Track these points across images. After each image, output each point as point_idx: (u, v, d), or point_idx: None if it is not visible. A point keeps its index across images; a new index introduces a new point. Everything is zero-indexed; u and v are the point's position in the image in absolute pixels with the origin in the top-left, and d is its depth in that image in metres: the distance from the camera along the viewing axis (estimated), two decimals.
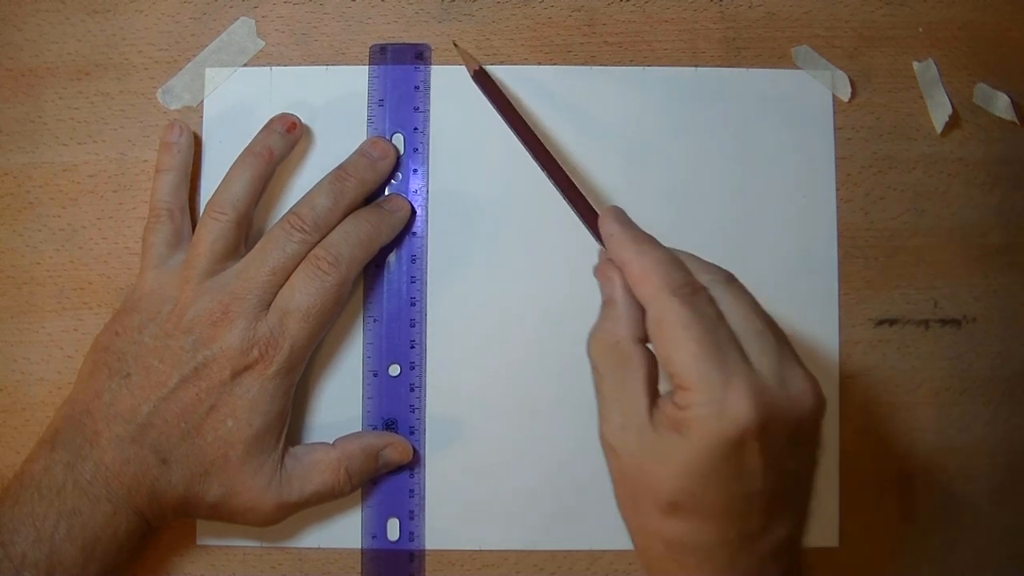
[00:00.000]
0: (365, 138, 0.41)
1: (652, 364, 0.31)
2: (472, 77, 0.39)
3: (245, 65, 0.42)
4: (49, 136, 0.42)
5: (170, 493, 0.36)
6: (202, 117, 0.41)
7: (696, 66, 0.42)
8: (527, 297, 0.41)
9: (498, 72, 0.42)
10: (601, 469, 0.40)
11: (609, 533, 0.40)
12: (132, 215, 0.41)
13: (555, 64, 0.42)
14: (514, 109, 0.38)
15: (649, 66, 0.42)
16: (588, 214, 0.35)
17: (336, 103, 0.41)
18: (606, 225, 0.33)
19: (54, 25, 0.42)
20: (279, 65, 0.42)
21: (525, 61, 0.42)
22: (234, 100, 0.41)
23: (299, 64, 0.42)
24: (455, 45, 0.40)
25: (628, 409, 0.30)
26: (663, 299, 0.30)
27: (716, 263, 0.41)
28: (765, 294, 0.41)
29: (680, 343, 0.29)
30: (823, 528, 0.40)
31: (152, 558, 0.40)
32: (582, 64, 0.42)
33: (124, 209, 0.41)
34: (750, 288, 0.43)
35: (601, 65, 0.42)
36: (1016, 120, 0.42)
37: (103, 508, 0.35)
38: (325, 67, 0.42)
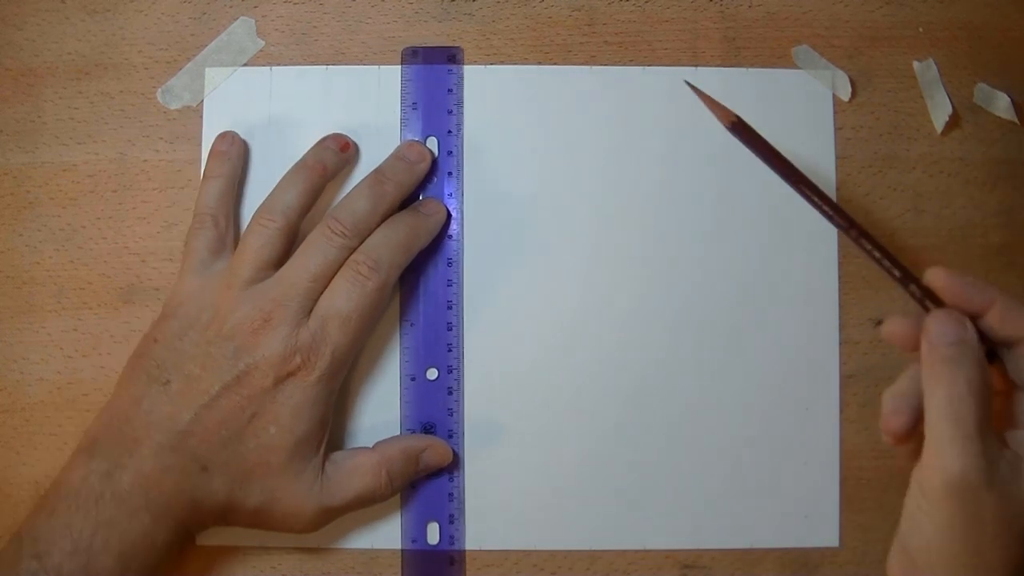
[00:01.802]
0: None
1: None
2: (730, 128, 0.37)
3: (245, 65, 0.42)
4: (49, 136, 0.42)
5: (210, 501, 0.36)
6: (202, 117, 0.42)
7: (696, 66, 0.42)
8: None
9: (498, 72, 0.42)
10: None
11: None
12: (132, 215, 0.42)
13: (555, 64, 0.42)
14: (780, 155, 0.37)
15: (649, 66, 0.42)
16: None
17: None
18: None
19: (54, 25, 0.42)
20: (279, 65, 0.42)
21: (525, 61, 0.42)
22: (234, 100, 0.42)
23: (299, 64, 0.42)
24: (693, 88, 0.37)
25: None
26: None
27: (715, 264, 0.42)
28: (765, 294, 0.42)
29: None
30: (823, 528, 0.41)
31: None
32: (582, 64, 0.42)
33: (124, 209, 0.42)
34: (750, 288, 0.43)
35: (601, 65, 0.42)
36: (1016, 120, 0.42)
37: (141, 518, 0.35)
38: (325, 67, 0.42)
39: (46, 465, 0.41)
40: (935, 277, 0.33)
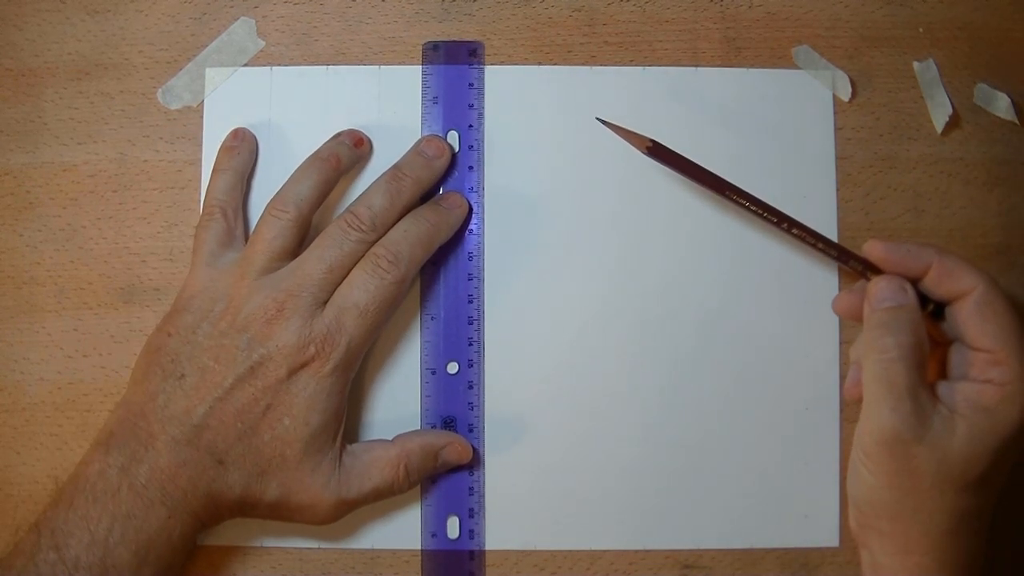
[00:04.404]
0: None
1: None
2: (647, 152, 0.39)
3: (245, 65, 0.42)
4: (49, 136, 0.42)
5: (227, 494, 0.37)
6: (202, 117, 0.42)
7: (696, 66, 0.42)
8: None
9: (498, 72, 0.42)
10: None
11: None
12: (132, 215, 0.42)
13: (555, 64, 0.42)
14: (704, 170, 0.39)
15: (649, 66, 0.42)
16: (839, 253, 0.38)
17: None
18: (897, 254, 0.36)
19: (54, 25, 0.42)
20: (279, 65, 0.42)
21: (525, 61, 0.42)
22: (234, 100, 0.42)
23: (299, 64, 0.42)
24: (604, 123, 0.39)
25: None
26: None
27: (716, 263, 0.42)
28: (765, 293, 0.42)
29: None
30: (823, 528, 0.41)
31: None
32: (582, 64, 0.42)
33: (124, 209, 0.42)
34: (748, 289, 0.44)
35: (601, 65, 0.42)
36: (1016, 120, 0.43)
37: (158, 512, 0.36)
38: (325, 67, 0.42)
39: (46, 465, 0.41)
40: (872, 248, 0.36)
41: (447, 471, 0.41)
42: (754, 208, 0.38)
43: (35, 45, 0.43)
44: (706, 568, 0.41)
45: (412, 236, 0.39)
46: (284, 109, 0.42)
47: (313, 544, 0.41)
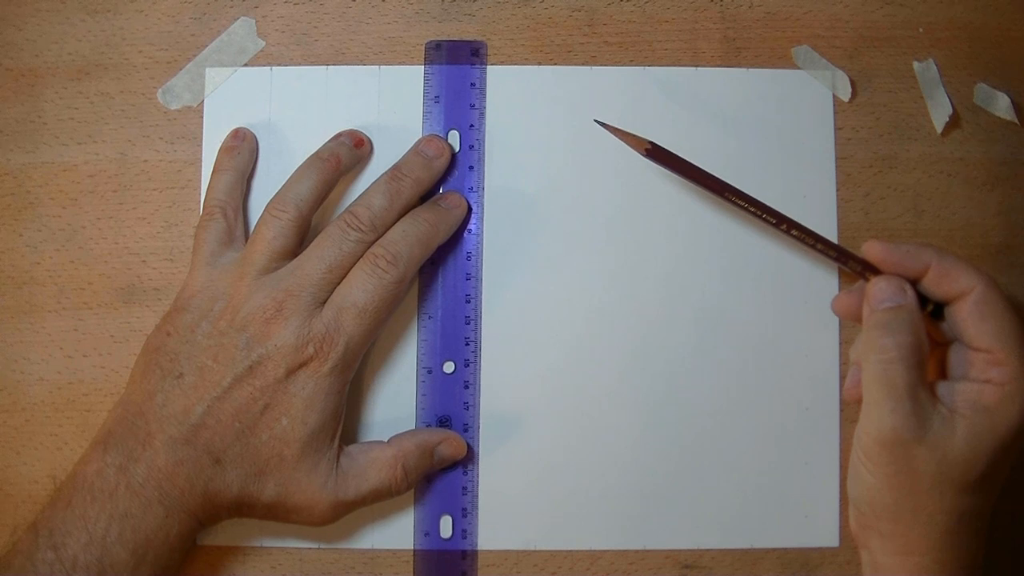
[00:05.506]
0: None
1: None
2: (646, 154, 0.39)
3: (245, 65, 0.42)
4: (49, 136, 0.42)
5: (224, 494, 0.37)
6: (202, 117, 0.42)
7: (696, 66, 0.42)
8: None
9: (498, 72, 0.42)
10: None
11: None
12: (132, 215, 0.42)
13: (555, 64, 0.42)
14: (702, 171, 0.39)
15: (649, 66, 0.42)
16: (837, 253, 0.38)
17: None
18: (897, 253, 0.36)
19: (54, 25, 0.42)
20: (279, 65, 0.42)
21: (525, 61, 0.42)
22: (234, 100, 0.42)
23: (299, 64, 0.42)
24: (603, 125, 0.39)
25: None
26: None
27: (715, 264, 0.42)
28: (765, 294, 0.42)
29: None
30: (823, 528, 0.41)
31: None
32: (582, 64, 0.42)
33: (124, 209, 0.42)
34: (748, 289, 0.44)
35: (601, 65, 0.42)
36: (1016, 120, 0.43)
37: (155, 511, 0.36)
38: (325, 67, 0.42)
39: (46, 465, 0.41)
40: (871, 249, 0.36)
41: (443, 469, 0.41)
42: (753, 210, 0.38)
43: (35, 45, 0.43)
44: (706, 568, 0.42)
45: (411, 236, 0.39)
46: (284, 109, 0.42)
47: (313, 544, 0.41)
